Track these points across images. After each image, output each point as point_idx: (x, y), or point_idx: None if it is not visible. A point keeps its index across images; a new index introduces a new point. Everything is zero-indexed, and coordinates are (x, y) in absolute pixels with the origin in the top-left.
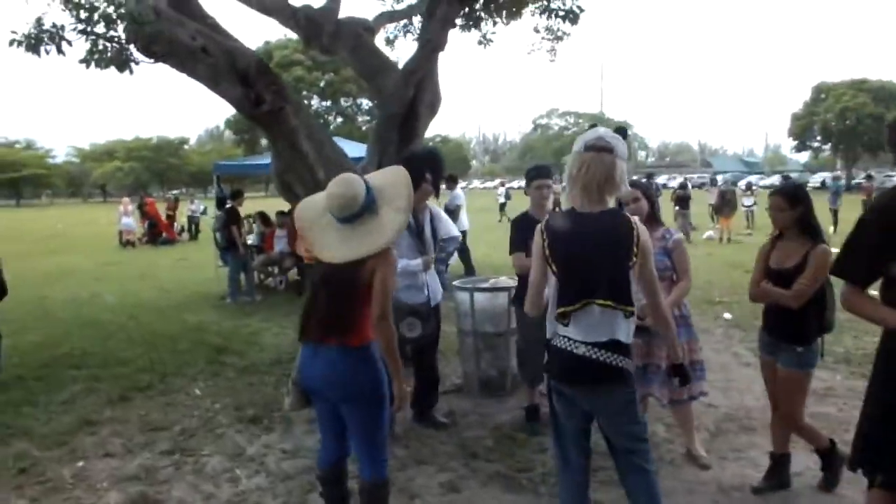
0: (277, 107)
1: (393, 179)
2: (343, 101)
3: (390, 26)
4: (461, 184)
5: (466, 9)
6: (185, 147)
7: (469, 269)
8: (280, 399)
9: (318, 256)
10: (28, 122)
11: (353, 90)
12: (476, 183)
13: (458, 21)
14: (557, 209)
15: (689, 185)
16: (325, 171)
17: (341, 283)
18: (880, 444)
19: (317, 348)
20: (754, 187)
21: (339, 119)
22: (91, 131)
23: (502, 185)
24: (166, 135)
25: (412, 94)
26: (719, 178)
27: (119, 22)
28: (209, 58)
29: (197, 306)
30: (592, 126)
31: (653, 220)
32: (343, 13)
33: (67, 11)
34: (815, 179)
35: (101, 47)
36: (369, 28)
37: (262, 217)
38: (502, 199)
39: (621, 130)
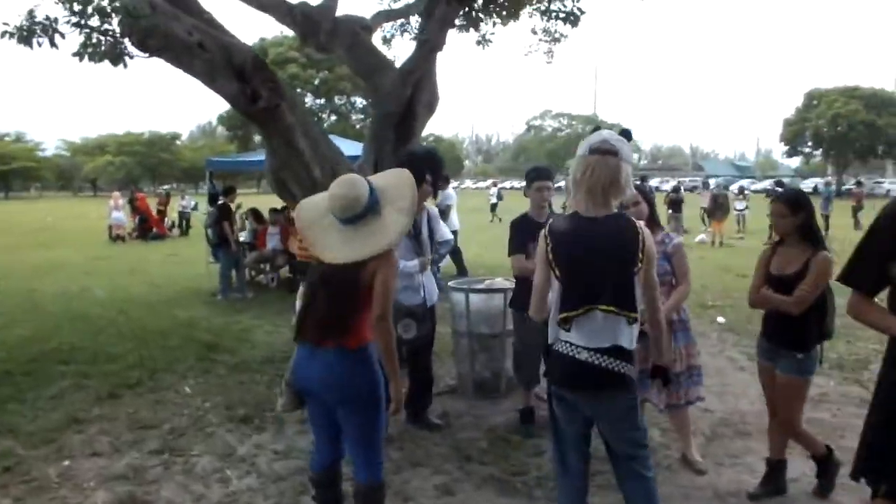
0: (273, 104)
1: (397, 181)
2: (337, 100)
3: (387, 25)
4: (453, 184)
5: (465, 9)
6: (177, 142)
7: (461, 270)
8: (272, 398)
9: (318, 257)
10: (18, 114)
11: (347, 88)
12: (468, 183)
13: (457, 21)
14: (553, 211)
15: (682, 189)
16: (321, 169)
17: (341, 284)
18: (885, 451)
19: (314, 350)
20: (746, 191)
21: (333, 117)
22: (82, 125)
23: (494, 185)
24: (158, 130)
25: (409, 93)
26: (711, 181)
27: (113, 15)
28: (205, 53)
29: (187, 302)
30: (595, 129)
31: (652, 223)
32: (340, 11)
33: (61, 4)
34: (806, 185)
35: (94, 41)
36: (367, 26)
37: (255, 214)
38: (494, 200)
39: (626, 133)
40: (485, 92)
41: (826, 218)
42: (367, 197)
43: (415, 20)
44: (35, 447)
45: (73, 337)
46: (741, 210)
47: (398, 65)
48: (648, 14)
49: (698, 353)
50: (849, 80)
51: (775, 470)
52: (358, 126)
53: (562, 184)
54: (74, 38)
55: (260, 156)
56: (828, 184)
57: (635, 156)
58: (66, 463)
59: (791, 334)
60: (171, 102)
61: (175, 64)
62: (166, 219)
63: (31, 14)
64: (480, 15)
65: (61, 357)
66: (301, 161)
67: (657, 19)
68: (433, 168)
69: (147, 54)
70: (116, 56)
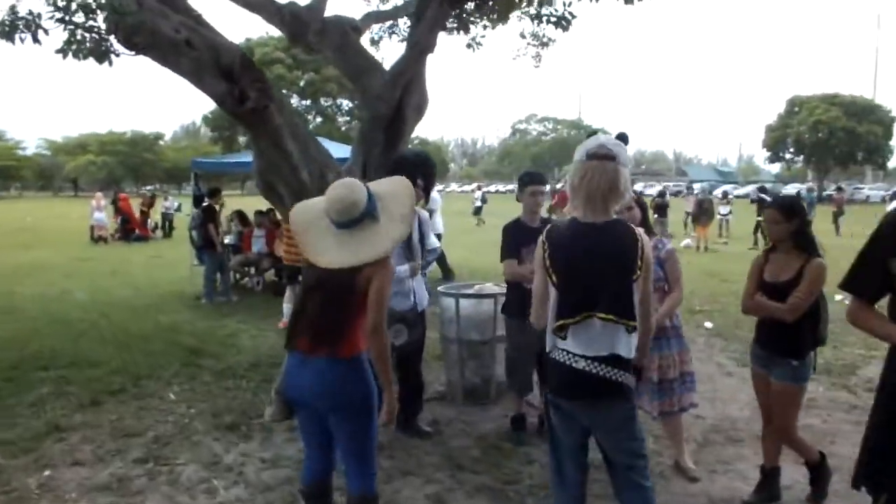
0: (262, 104)
1: (395, 189)
2: (323, 101)
3: (375, 27)
4: (438, 187)
5: (456, 11)
6: (161, 143)
7: (447, 273)
8: (258, 405)
9: (313, 261)
10: None
11: (333, 90)
12: (454, 186)
13: (448, 23)
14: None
15: (667, 194)
16: (309, 172)
17: (335, 291)
18: (886, 459)
19: (305, 358)
20: (730, 196)
21: (319, 119)
22: (64, 124)
23: (479, 188)
24: (141, 129)
25: (399, 95)
26: (696, 186)
27: (99, 12)
28: (193, 51)
29: (171, 306)
30: (592, 134)
31: (645, 229)
32: (329, 12)
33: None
34: (787, 190)
35: (79, 37)
36: (356, 27)
37: (240, 216)
38: (478, 203)
39: (622, 137)
40: (470, 95)
41: (808, 224)
42: (366, 202)
43: (403, 22)
44: (14, 456)
45: (53, 341)
46: (725, 215)
47: (386, 67)
48: (633, 20)
49: (691, 359)
50: (829, 88)
51: (769, 477)
52: (344, 128)
53: (546, 187)
54: (58, 35)
55: (246, 157)
56: (810, 189)
57: None
58: (47, 473)
59: (785, 341)
60: (154, 102)
61: (161, 62)
62: (149, 220)
63: (13, 9)
64: (472, 17)
65: (41, 362)
66: (289, 163)
67: (641, 25)
68: (425, 172)
69: (133, 52)
70: (102, 53)
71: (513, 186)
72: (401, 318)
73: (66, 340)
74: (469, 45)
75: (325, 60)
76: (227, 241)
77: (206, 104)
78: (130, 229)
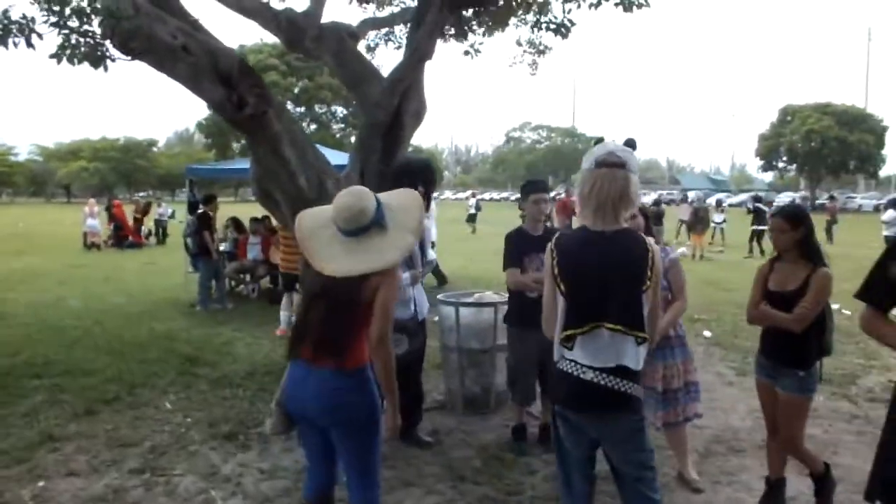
0: (260, 110)
1: (404, 200)
2: (317, 108)
3: (372, 34)
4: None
5: (455, 18)
6: (154, 149)
7: (441, 279)
8: (256, 414)
9: (318, 269)
10: None
11: (327, 97)
12: (448, 194)
13: (448, 31)
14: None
15: (662, 202)
16: (307, 179)
17: (341, 299)
18: None
19: (309, 368)
20: (724, 205)
21: (314, 126)
22: (56, 130)
23: (473, 195)
24: (134, 136)
25: (397, 102)
26: (691, 194)
27: (94, 16)
28: (190, 57)
29: (166, 313)
30: (599, 141)
31: (649, 236)
32: (325, 18)
33: (37, 4)
34: (780, 199)
35: (73, 42)
36: (353, 34)
37: (235, 223)
38: (472, 210)
39: (630, 143)
40: (464, 103)
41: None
42: (374, 210)
43: (399, 29)
44: (7, 467)
45: (46, 348)
46: (719, 223)
47: (383, 74)
48: (626, 29)
49: (695, 368)
50: (821, 97)
51: (775, 489)
52: (338, 135)
53: (549, 196)
54: (52, 39)
55: (241, 164)
56: (804, 199)
57: None
58: (41, 484)
59: (791, 351)
60: (148, 109)
61: (158, 68)
62: (143, 227)
63: (5, 13)
64: (470, 24)
65: (34, 370)
66: (287, 170)
67: (635, 34)
68: (426, 179)
69: (129, 57)
70: (97, 58)
71: (507, 194)
72: (401, 327)
73: (60, 348)
74: (467, 53)
75: (323, 66)
76: (222, 248)
77: (200, 111)
78: (124, 236)
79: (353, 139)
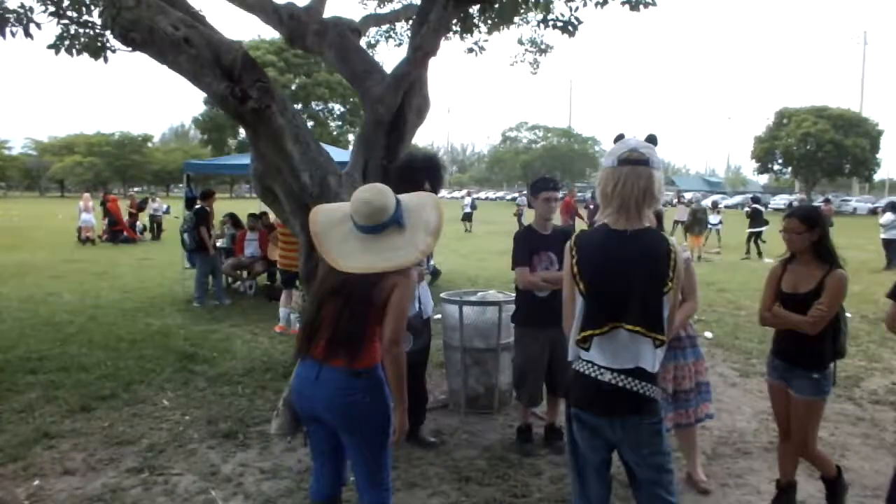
0: (264, 104)
1: (423, 202)
2: (314, 105)
3: (372, 30)
4: None
5: (461, 15)
6: (149, 144)
7: (434, 273)
8: (255, 412)
9: (332, 265)
10: None
11: (325, 94)
12: (444, 193)
13: (453, 27)
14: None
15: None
16: (310, 175)
17: (355, 297)
18: None
19: (320, 367)
20: (720, 206)
21: (311, 123)
22: (50, 124)
23: (468, 194)
24: (129, 131)
25: (400, 99)
26: (687, 195)
27: (94, 6)
28: (192, 49)
29: (162, 309)
30: (619, 137)
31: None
32: (327, 14)
33: None
34: (775, 201)
35: (73, 32)
36: (356, 29)
37: (233, 219)
38: (468, 209)
39: (652, 139)
40: (460, 102)
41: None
42: (394, 208)
43: (400, 26)
44: (2, 464)
45: (40, 345)
46: (715, 224)
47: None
48: (623, 30)
49: (706, 368)
50: (817, 101)
51: (786, 492)
52: (335, 132)
53: (559, 194)
54: (50, 30)
55: (239, 159)
56: (802, 201)
57: None
58: (37, 482)
59: (806, 353)
60: (143, 104)
61: (159, 59)
62: (137, 223)
63: (1, 3)
64: (476, 21)
65: (29, 366)
66: (290, 165)
67: (632, 35)
68: (432, 175)
69: (130, 48)
70: (97, 49)
71: (503, 193)
72: (408, 325)
73: (55, 343)
74: (471, 50)
75: (324, 62)
76: (219, 244)
77: (196, 106)
78: (118, 231)
79: (350, 136)
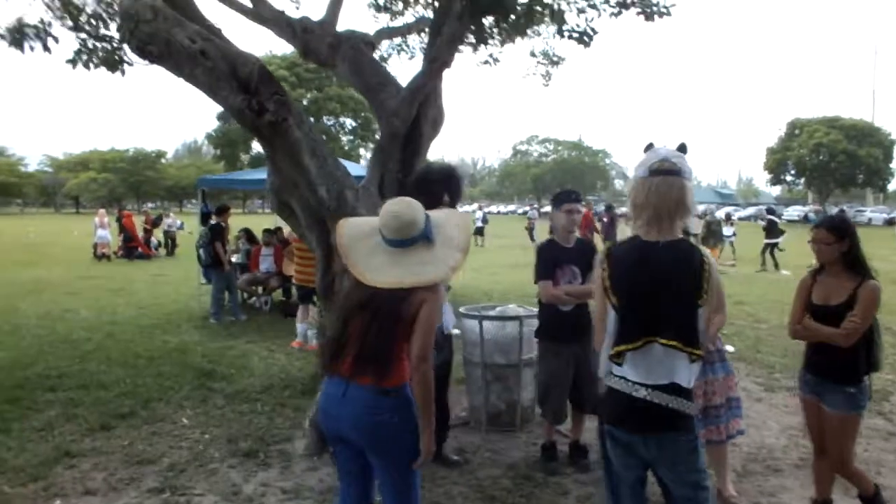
0: (281, 117)
1: (452, 218)
2: (326, 120)
3: (384, 44)
4: None
5: (476, 26)
6: (162, 160)
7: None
8: (275, 430)
9: (359, 279)
10: (1, 129)
11: (336, 109)
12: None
13: (467, 39)
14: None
15: None
16: (327, 189)
17: (382, 312)
18: None
19: (347, 385)
20: (733, 218)
21: (323, 137)
22: (66, 141)
23: (480, 208)
24: (143, 147)
25: (416, 111)
26: (700, 207)
27: (111, 20)
28: (208, 62)
29: (178, 325)
30: (649, 146)
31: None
32: (340, 27)
33: (50, 12)
34: (788, 212)
35: (90, 46)
36: (369, 42)
37: (248, 234)
38: (479, 223)
39: (683, 148)
40: (471, 116)
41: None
42: (424, 222)
43: (412, 39)
44: (23, 484)
45: (59, 362)
46: (729, 236)
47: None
48: (633, 42)
49: (737, 383)
50: (829, 111)
51: None
52: (347, 147)
53: (548, 208)
54: (68, 45)
55: (253, 174)
56: (817, 212)
57: (619, 183)
58: (58, 503)
59: (839, 367)
60: (156, 120)
61: (176, 73)
62: (152, 238)
63: (19, 22)
64: (492, 31)
65: (48, 384)
66: (307, 179)
67: (641, 48)
68: (451, 188)
69: (147, 61)
70: (114, 63)
71: (514, 207)
72: None
73: (73, 360)
74: (486, 62)
75: (337, 76)
76: (234, 259)
77: (209, 122)
78: (133, 247)
79: (361, 151)
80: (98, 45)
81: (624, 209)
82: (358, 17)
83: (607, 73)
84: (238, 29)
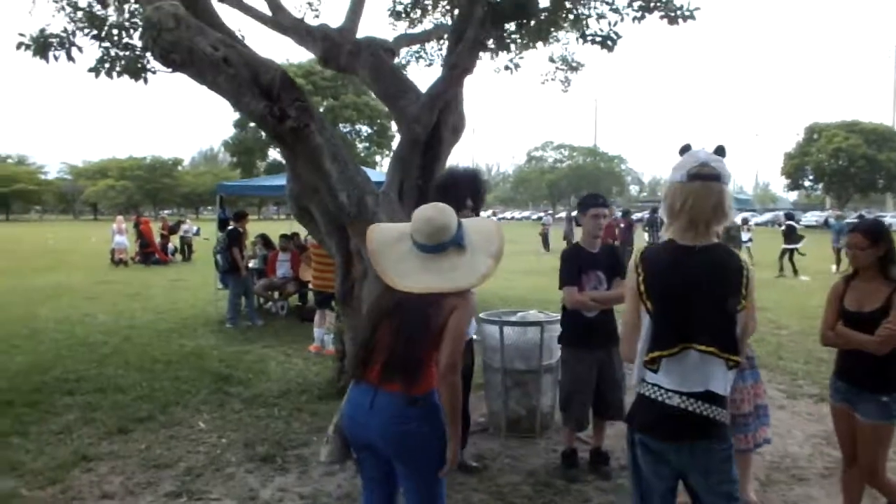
0: (303, 123)
1: (484, 225)
2: (342, 127)
3: (403, 51)
4: None
5: (498, 31)
6: (179, 168)
7: None
8: (293, 435)
9: (390, 284)
10: (22, 137)
11: (352, 116)
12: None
13: (489, 45)
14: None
15: None
16: (348, 195)
17: (413, 319)
18: None
19: (375, 392)
20: (750, 223)
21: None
22: (85, 148)
23: (494, 214)
24: (160, 155)
25: (436, 117)
26: None
27: (133, 29)
28: (230, 69)
29: (195, 330)
30: (686, 149)
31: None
32: (359, 34)
33: (73, 24)
34: (806, 218)
35: (113, 55)
36: (389, 49)
37: (264, 240)
38: None
39: (721, 150)
40: (486, 122)
41: (838, 252)
42: (456, 228)
43: (430, 46)
44: (41, 487)
45: (77, 365)
46: (745, 242)
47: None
48: (648, 47)
49: (765, 391)
50: (848, 116)
51: None
52: (363, 154)
53: (562, 214)
54: (89, 54)
55: (271, 180)
56: (839, 217)
57: (636, 188)
58: None
59: (874, 375)
60: (173, 128)
61: (199, 80)
62: (169, 244)
63: (41, 32)
64: (514, 36)
65: (66, 387)
66: (327, 184)
67: (656, 52)
68: (475, 193)
69: (170, 69)
70: (137, 71)
71: (528, 213)
72: None
73: (91, 364)
74: (507, 68)
75: (347, 86)
76: (251, 265)
77: (226, 130)
78: (150, 253)
79: (377, 158)
80: (121, 53)
81: (643, 214)
82: (377, 25)
83: (623, 77)
84: (255, 37)
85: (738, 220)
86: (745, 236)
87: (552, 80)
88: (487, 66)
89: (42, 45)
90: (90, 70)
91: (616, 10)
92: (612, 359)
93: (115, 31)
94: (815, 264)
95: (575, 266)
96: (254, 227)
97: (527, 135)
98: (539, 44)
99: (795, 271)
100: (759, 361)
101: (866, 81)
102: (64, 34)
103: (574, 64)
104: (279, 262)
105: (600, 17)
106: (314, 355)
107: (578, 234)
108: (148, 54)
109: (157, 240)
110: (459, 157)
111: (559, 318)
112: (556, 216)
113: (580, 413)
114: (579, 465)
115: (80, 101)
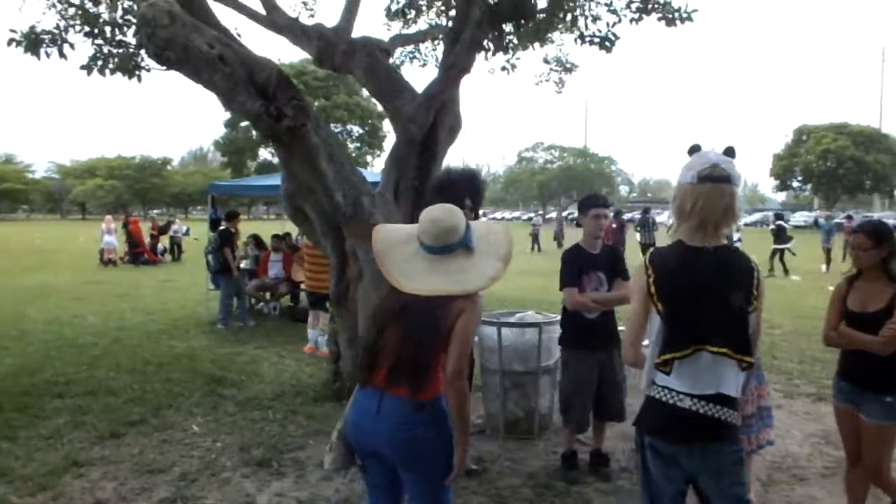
0: (299, 123)
1: (493, 227)
2: (333, 127)
3: (397, 51)
4: None
5: (495, 32)
6: (168, 167)
7: None
8: (288, 438)
9: (396, 286)
10: (9, 136)
11: (344, 117)
12: None
13: (486, 44)
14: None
15: None
16: (344, 195)
17: (420, 322)
18: None
19: (381, 397)
20: (739, 223)
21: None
22: (73, 148)
23: (484, 214)
24: (149, 154)
25: (432, 118)
26: None
27: (127, 26)
28: (226, 67)
29: (186, 331)
30: (695, 149)
31: None
32: (355, 34)
33: (65, 20)
34: (795, 218)
35: (106, 52)
36: (385, 49)
37: (256, 240)
38: None
39: (730, 151)
40: (476, 123)
41: (828, 252)
42: (464, 230)
43: (425, 47)
44: (31, 494)
45: (67, 368)
46: (735, 242)
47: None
48: (638, 49)
49: (769, 392)
50: (836, 117)
51: None
52: (354, 154)
53: (553, 214)
54: (81, 51)
55: (263, 180)
56: (828, 217)
57: (625, 189)
58: None
59: (877, 376)
60: (163, 127)
61: (194, 78)
62: (158, 244)
63: (32, 29)
64: (511, 37)
65: (56, 390)
66: (323, 185)
67: (647, 54)
68: (473, 193)
69: (164, 67)
70: (131, 69)
71: (519, 213)
72: None
73: (81, 367)
74: (504, 69)
75: (339, 86)
76: (243, 265)
77: (215, 130)
78: (139, 253)
79: (369, 158)
80: (114, 51)
81: (634, 214)
82: (372, 24)
83: (612, 79)
84: (246, 37)
85: None
86: (734, 236)
87: (546, 81)
88: (482, 67)
89: (33, 42)
90: (82, 67)
91: (614, 12)
92: (612, 360)
93: (108, 28)
94: (805, 264)
95: (575, 267)
96: (244, 227)
97: (517, 135)
98: (536, 45)
99: (786, 271)
100: (760, 362)
101: (854, 84)
102: (56, 31)
103: (568, 65)
104: (271, 263)
105: (596, 18)
106: (307, 356)
107: (577, 236)
108: (142, 52)
109: (147, 240)
110: (450, 157)
111: (557, 319)
112: (547, 217)
113: (581, 415)
114: (579, 467)
115: (68, 100)
